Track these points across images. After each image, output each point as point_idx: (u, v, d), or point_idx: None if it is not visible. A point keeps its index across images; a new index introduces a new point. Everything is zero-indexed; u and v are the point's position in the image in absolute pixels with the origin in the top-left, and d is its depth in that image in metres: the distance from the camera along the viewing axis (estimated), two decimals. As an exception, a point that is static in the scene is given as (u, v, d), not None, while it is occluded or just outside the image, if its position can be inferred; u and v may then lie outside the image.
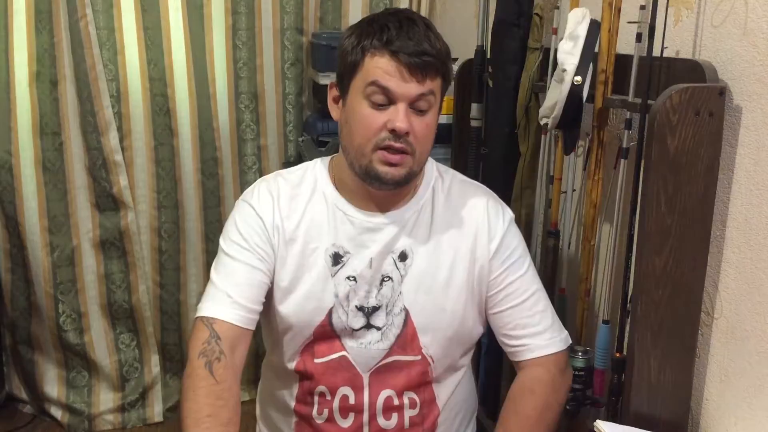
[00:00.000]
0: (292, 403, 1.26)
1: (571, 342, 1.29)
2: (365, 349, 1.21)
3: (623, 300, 1.25)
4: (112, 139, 2.31)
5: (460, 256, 1.22)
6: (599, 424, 1.13)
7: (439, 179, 1.27)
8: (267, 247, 1.20)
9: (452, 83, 1.92)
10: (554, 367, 1.24)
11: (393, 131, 1.11)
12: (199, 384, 1.09)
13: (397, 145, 1.12)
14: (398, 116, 1.10)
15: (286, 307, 1.21)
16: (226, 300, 1.15)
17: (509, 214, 1.28)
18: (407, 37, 1.10)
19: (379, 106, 1.12)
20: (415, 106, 1.12)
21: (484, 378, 1.75)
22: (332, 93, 1.20)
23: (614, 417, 1.25)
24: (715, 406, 1.22)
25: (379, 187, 1.17)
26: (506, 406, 1.23)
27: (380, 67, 1.10)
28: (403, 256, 1.21)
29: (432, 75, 1.12)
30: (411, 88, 1.10)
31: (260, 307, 1.19)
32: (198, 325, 1.14)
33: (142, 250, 2.46)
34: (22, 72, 2.26)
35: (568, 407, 1.36)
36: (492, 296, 1.24)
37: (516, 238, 1.26)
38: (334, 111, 1.20)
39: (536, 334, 1.23)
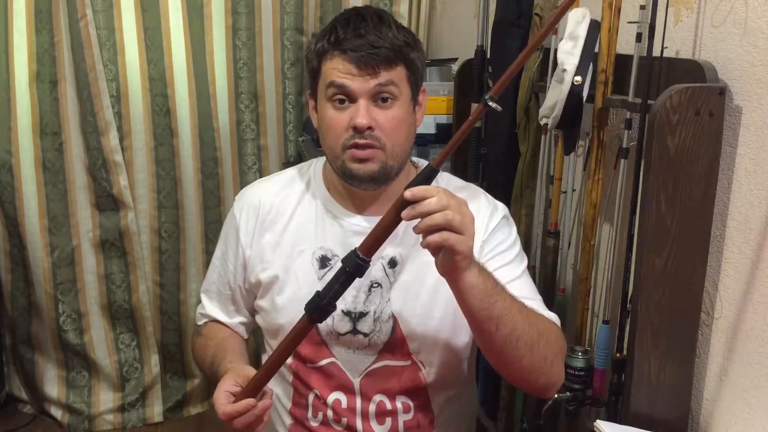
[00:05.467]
0: (288, 405, 1.27)
1: (560, 325, 1.22)
2: (353, 354, 1.21)
3: (623, 300, 1.25)
4: (112, 139, 2.31)
5: None
6: (599, 424, 1.13)
7: (434, 184, 1.25)
8: (237, 263, 1.28)
9: (452, 83, 1.94)
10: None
11: (356, 128, 1.11)
12: (194, 348, 1.35)
13: (362, 141, 1.12)
14: (358, 112, 1.11)
15: (275, 309, 1.23)
16: (203, 311, 1.36)
17: (502, 212, 1.24)
18: (354, 33, 1.10)
19: (341, 107, 1.13)
20: (377, 99, 1.12)
21: (484, 378, 1.75)
22: (310, 103, 1.22)
23: (614, 417, 1.25)
24: (715, 406, 1.22)
25: (359, 186, 1.17)
26: None
27: (334, 68, 1.12)
28: (392, 263, 1.20)
29: (385, 66, 1.11)
30: (366, 82, 1.11)
31: (231, 318, 1.33)
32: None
33: (142, 250, 2.46)
34: (22, 72, 2.26)
35: (568, 407, 1.36)
36: None
37: (505, 232, 1.23)
38: (313, 119, 1.22)
39: None
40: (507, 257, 1.20)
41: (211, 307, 1.33)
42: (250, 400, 1.05)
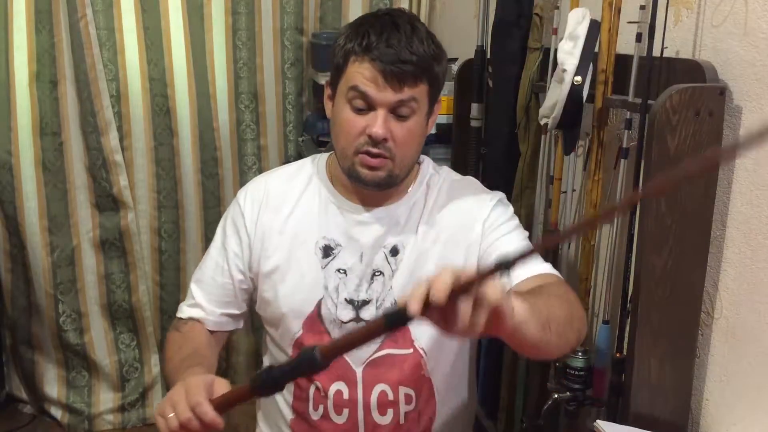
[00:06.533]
0: (290, 399, 1.27)
1: (560, 276, 1.18)
2: None
3: (623, 300, 1.25)
4: (112, 139, 2.31)
5: (451, 250, 1.22)
6: (599, 424, 1.14)
7: (435, 175, 1.28)
8: (240, 248, 1.26)
9: (452, 83, 1.94)
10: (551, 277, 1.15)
11: (371, 137, 1.12)
12: (169, 340, 1.27)
13: (375, 150, 1.13)
14: (376, 123, 1.12)
15: (277, 298, 1.23)
16: (191, 301, 1.30)
17: (497, 196, 1.27)
18: (386, 44, 1.10)
19: (359, 111, 1.14)
20: (395, 111, 1.13)
21: (483, 378, 1.75)
22: (327, 91, 1.23)
23: (614, 417, 1.26)
24: (715, 406, 1.22)
25: (364, 188, 1.19)
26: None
27: (360, 73, 1.12)
28: (394, 251, 1.22)
29: (410, 82, 1.12)
30: (388, 95, 1.11)
31: (225, 310, 1.28)
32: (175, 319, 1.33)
33: (142, 250, 2.46)
34: (22, 72, 2.26)
35: (568, 407, 1.36)
36: (480, 262, 1.21)
37: (502, 209, 1.25)
38: (327, 108, 1.23)
39: (519, 266, 1.11)
40: (506, 228, 1.22)
41: (200, 296, 1.28)
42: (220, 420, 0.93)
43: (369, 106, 1.13)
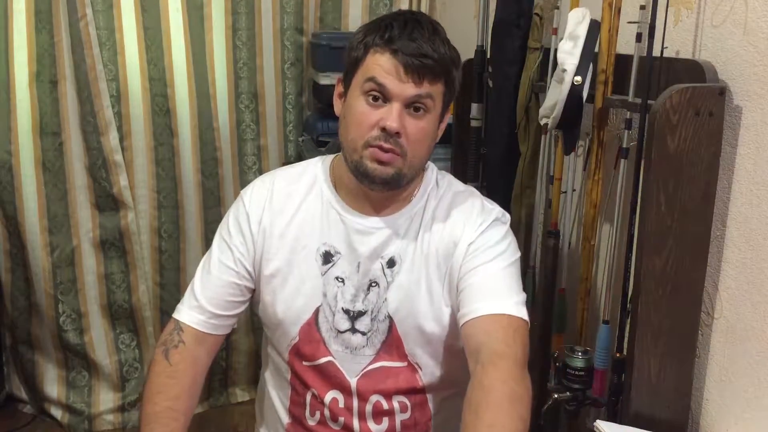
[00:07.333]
0: (287, 403, 1.27)
1: (527, 318, 1.13)
2: (351, 354, 1.21)
3: (623, 300, 1.25)
4: (112, 139, 2.31)
5: (443, 265, 1.19)
6: (599, 424, 1.14)
7: (435, 188, 1.25)
8: (245, 247, 1.23)
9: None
10: (499, 328, 1.09)
11: (384, 130, 1.10)
12: (155, 369, 1.19)
13: (386, 145, 1.11)
14: (391, 116, 1.10)
15: (276, 302, 1.22)
16: (192, 303, 1.24)
17: (495, 214, 1.21)
18: (409, 38, 1.10)
19: (375, 104, 1.12)
20: (411, 107, 1.12)
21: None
22: (338, 88, 1.21)
23: (614, 417, 1.26)
24: (715, 406, 1.22)
25: (370, 185, 1.16)
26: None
27: (379, 64, 1.11)
28: (391, 263, 1.20)
29: (430, 78, 1.11)
30: (407, 88, 1.10)
31: (226, 312, 1.23)
32: (170, 320, 1.26)
33: (142, 250, 2.46)
34: (22, 72, 2.26)
35: (568, 407, 1.36)
36: (457, 285, 1.17)
37: (494, 232, 1.19)
38: (337, 105, 1.21)
39: (480, 299, 1.12)
40: (489, 255, 1.16)
41: (203, 298, 1.22)
42: None
43: (385, 98, 1.11)
